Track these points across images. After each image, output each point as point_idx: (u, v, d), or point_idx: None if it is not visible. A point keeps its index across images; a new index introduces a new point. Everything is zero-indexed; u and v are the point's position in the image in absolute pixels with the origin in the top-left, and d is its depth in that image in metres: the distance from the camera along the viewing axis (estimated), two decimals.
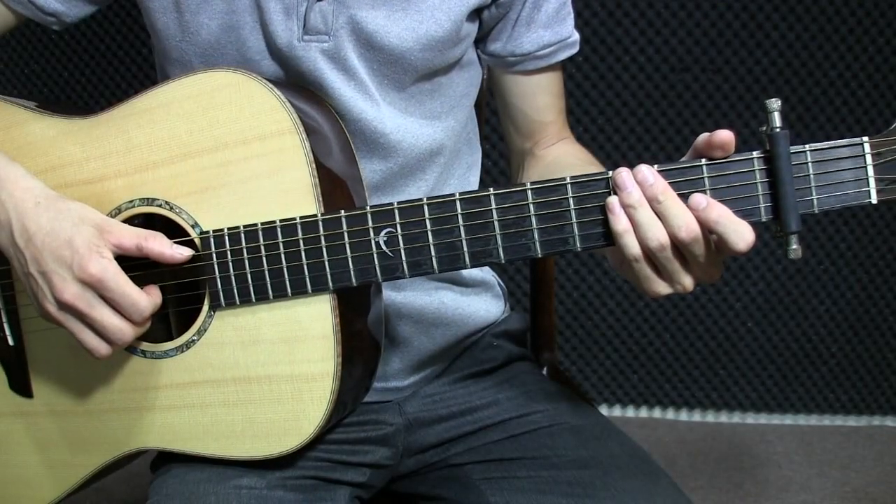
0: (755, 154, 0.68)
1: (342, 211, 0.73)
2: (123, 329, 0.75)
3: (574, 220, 0.70)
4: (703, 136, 0.68)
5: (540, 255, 0.71)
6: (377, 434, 0.92)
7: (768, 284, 2.05)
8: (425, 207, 0.71)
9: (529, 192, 0.70)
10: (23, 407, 0.88)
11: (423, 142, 0.88)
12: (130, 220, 0.81)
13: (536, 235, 0.71)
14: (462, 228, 0.71)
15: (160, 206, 0.79)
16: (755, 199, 0.68)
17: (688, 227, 0.66)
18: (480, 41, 0.93)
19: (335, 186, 0.76)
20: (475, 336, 0.98)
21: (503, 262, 0.72)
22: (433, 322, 0.92)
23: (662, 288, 0.70)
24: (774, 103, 0.68)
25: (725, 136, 0.67)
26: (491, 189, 0.71)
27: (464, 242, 0.72)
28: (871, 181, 0.67)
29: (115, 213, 0.81)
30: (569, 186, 0.70)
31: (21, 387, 0.87)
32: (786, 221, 0.67)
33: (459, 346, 0.97)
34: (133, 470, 0.86)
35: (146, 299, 0.75)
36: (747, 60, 1.92)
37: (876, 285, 2.04)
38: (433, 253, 0.72)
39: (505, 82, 0.95)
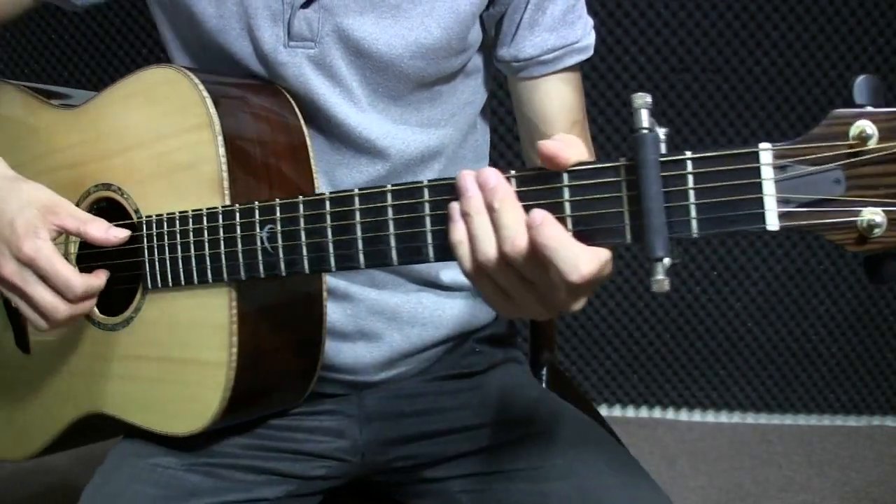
0: (622, 161, 0.56)
1: (236, 205, 0.74)
2: (57, 306, 0.78)
3: (428, 227, 0.63)
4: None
5: (396, 264, 0.65)
6: (330, 424, 0.91)
7: (768, 284, 2.05)
8: (300, 205, 0.69)
9: (389, 195, 0.64)
10: (22, 361, 0.96)
11: (414, 148, 0.87)
12: (97, 202, 0.87)
13: (393, 242, 0.65)
14: (329, 229, 0.68)
15: (115, 191, 0.84)
16: (619, 216, 0.56)
17: (513, 241, 0.56)
18: (490, 48, 0.91)
19: (260, 182, 0.78)
20: (455, 340, 0.96)
21: (363, 268, 0.67)
22: (408, 321, 0.91)
23: (511, 311, 0.61)
24: (639, 98, 0.55)
25: (546, 149, 0.57)
26: (356, 189, 0.67)
27: (329, 244, 0.68)
28: (770, 201, 0.53)
29: (84, 196, 0.86)
30: (425, 190, 0.63)
31: (23, 344, 0.95)
32: (647, 245, 0.54)
33: (437, 348, 0.94)
34: None
35: (79, 280, 0.78)
36: (747, 60, 1.92)
37: (876, 285, 2.04)
38: (305, 252, 0.70)
39: (515, 91, 0.93)
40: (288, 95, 0.84)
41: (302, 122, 0.83)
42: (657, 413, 2.17)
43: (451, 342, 0.95)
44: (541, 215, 0.56)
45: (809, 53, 1.90)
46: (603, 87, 1.97)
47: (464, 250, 0.59)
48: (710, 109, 1.96)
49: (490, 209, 0.58)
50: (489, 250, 0.58)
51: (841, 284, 2.04)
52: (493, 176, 0.59)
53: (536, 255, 0.56)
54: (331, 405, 0.92)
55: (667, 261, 0.54)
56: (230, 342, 0.76)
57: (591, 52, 0.90)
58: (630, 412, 2.17)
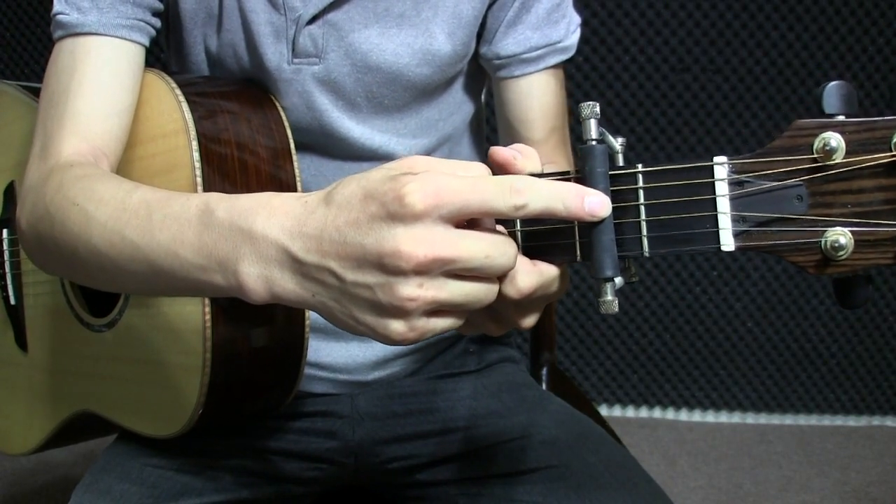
0: (572, 174, 0.53)
1: None
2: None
3: None
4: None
5: None
6: (323, 426, 0.90)
7: (768, 284, 2.05)
8: None
9: None
10: (21, 359, 0.98)
11: (415, 151, 0.87)
12: None
13: None
14: None
15: None
16: (569, 232, 0.53)
17: None
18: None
19: (237, 188, 0.78)
20: (449, 339, 0.95)
21: None
22: None
23: (465, 327, 0.55)
24: (587, 108, 0.51)
25: (498, 156, 0.52)
26: None
27: None
28: (724, 219, 0.49)
29: None
30: None
31: (21, 342, 0.97)
32: (595, 263, 0.51)
33: (431, 348, 0.94)
34: None
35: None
36: (747, 60, 1.92)
37: (876, 285, 2.04)
38: None
39: (497, 92, 0.92)
40: (274, 99, 0.84)
41: (287, 126, 0.83)
42: (657, 413, 2.17)
43: (444, 342, 0.95)
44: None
45: (809, 53, 1.90)
46: (603, 87, 1.97)
47: None
48: (710, 109, 1.96)
49: None
50: None
51: None
52: None
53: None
54: (323, 406, 0.91)
55: (618, 280, 0.51)
56: (204, 346, 0.75)
57: (573, 52, 0.89)
58: (630, 412, 2.18)
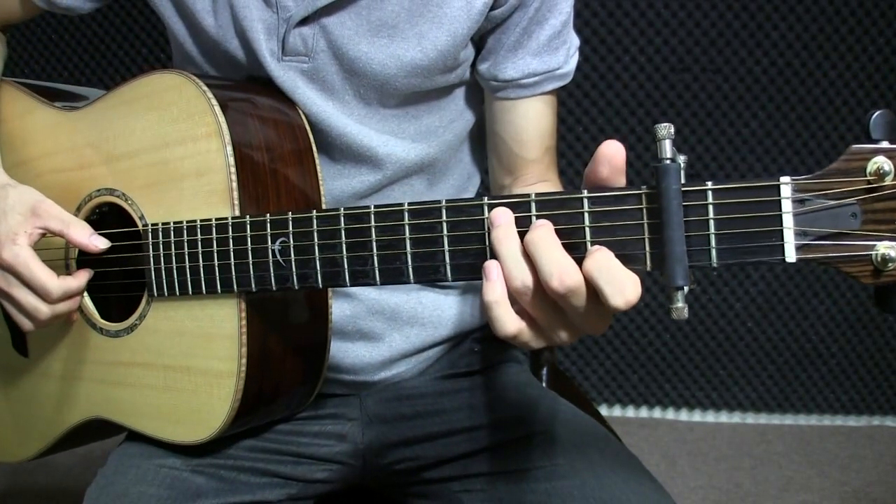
0: (644, 189, 0.57)
1: (248, 216, 0.74)
2: (38, 308, 0.82)
3: (446, 247, 0.63)
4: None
5: (413, 282, 0.65)
6: (334, 429, 0.91)
7: (768, 284, 2.05)
8: (314, 219, 0.69)
9: (406, 213, 0.64)
10: (20, 364, 0.96)
11: (415, 155, 0.87)
12: (99, 207, 0.87)
13: (410, 260, 0.64)
14: (343, 245, 0.67)
15: (118, 196, 0.84)
16: (640, 244, 0.57)
17: (560, 276, 0.55)
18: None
19: (268, 191, 0.78)
20: (454, 340, 0.96)
21: (379, 284, 0.66)
22: (407, 321, 0.91)
23: (538, 344, 0.60)
24: (663, 129, 0.55)
25: (610, 149, 0.57)
26: (372, 206, 0.66)
27: (344, 259, 0.67)
28: (788, 234, 0.54)
29: (87, 200, 0.87)
30: (444, 210, 0.63)
31: (20, 346, 0.96)
32: (668, 274, 0.55)
33: (436, 348, 0.95)
34: None
35: (55, 283, 0.81)
36: (747, 60, 1.92)
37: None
38: (318, 267, 0.69)
39: (491, 108, 0.92)
40: (297, 103, 0.84)
41: (307, 124, 0.83)
42: (657, 413, 2.17)
43: (449, 342, 0.95)
44: (597, 245, 0.57)
45: (809, 53, 1.90)
46: (603, 86, 1.97)
47: (501, 309, 0.58)
48: (710, 109, 1.96)
49: (529, 243, 0.57)
50: (524, 277, 0.56)
51: (841, 284, 2.04)
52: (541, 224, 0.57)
53: (588, 286, 0.55)
54: (333, 408, 0.92)
55: (686, 288, 0.55)
56: (240, 353, 0.75)
57: (570, 78, 0.90)
58: (630, 412, 2.18)
